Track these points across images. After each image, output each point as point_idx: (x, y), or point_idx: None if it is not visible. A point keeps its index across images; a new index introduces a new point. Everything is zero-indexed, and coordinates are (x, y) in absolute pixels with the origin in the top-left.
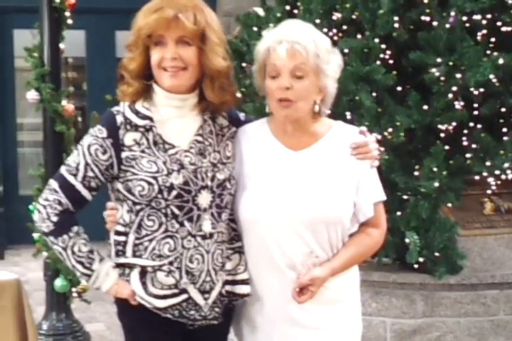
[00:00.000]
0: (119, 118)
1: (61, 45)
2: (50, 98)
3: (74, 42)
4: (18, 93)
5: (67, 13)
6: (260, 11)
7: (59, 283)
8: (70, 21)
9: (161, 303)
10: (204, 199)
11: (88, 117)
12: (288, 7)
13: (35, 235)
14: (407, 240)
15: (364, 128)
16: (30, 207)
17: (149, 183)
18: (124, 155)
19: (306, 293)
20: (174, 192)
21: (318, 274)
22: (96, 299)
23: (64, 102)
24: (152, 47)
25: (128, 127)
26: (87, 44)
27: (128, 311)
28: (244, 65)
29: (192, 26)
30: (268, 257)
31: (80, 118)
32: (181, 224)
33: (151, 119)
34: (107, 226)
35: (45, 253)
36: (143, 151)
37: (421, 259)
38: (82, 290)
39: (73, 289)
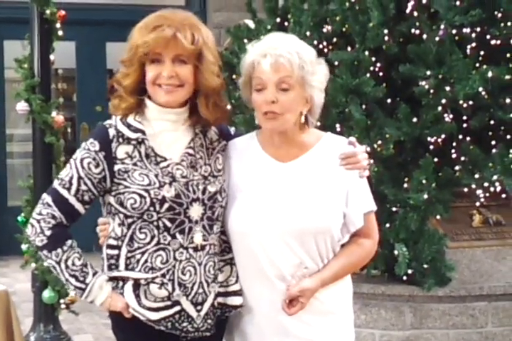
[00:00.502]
0: (112, 132)
1: (51, 57)
2: (39, 109)
3: (64, 54)
4: (8, 104)
5: (58, 25)
6: (251, 23)
7: (47, 294)
8: (60, 33)
9: (154, 316)
10: (195, 211)
11: (78, 128)
12: (278, 19)
13: (24, 246)
14: (395, 252)
15: (353, 139)
16: (19, 218)
17: (141, 196)
18: (116, 168)
19: (296, 305)
20: (166, 205)
21: (308, 285)
22: (84, 310)
23: (54, 113)
24: (148, 63)
25: (120, 140)
26: (77, 55)
27: (122, 324)
28: (234, 76)
29: (190, 46)
30: (258, 269)
31: (69, 130)
32: (173, 237)
33: (143, 132)
34: (100, 241)
35: (33, 265)
36: (135, 164)
37: (410, 271)
38: (70, 302)
39: (61, 300)
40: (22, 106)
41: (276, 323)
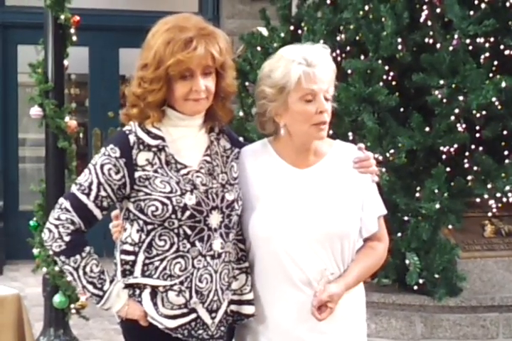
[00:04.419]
0: (132, 138)
1: (65, 62)
2: (53, 114)
3: (77, 59)
4: (21, 108)
5: (72, 30)
6: (264, 31)
7: (58, 299)
8: (74, 38)
9: (172, 323)
10: (214, 219)
11: (90, 134)
12: (292, 27)
13: (35, 250)
14: (407, 261)
15: (362, 145)
16: (31, 222)
17: (163, 203)
18: (137, 175)
19: (325, 310)
20: (187, 213)
21: (336, 290)
22: (94, 316)
23: (67, 118)
24: (176, 79)
25: (141, 147)
26: (91, 61)
27: (134, 332)
28: (247, 84)
29: (220, 58)
30: (283, 274)
31: (81, 135)
32: (192, 244)
33: (162, 139)
34: (114, 237)
35: (44, 269)
36: (156, 171)
37: (421, 281)
38: (80, 307)
39: (72, 305)
40: (36, 110)
41: (299, 329)
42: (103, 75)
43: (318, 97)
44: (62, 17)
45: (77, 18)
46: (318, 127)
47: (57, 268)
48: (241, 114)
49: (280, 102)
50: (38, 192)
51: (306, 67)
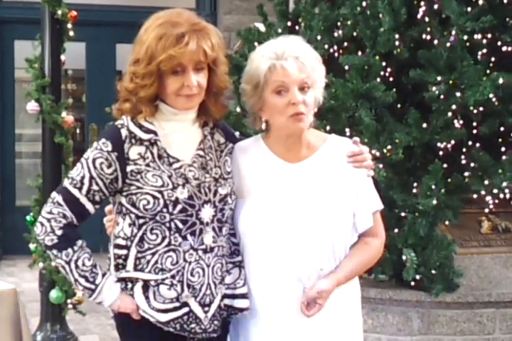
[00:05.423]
0: (124, 132)
1: (62, 57)
2: (50, 109)
3: (74, 54)
4: (18, 104)
5: (69, 25)
6: (261, 27)
7: (54, 294)
8: (71, 33)
9: (164, 317)
10: (207, 213)
11: (86, 129)
12: (289, 23)
13: (32, 246)
14: (404, 257)
15: (357, 139)
16: (28, 217)
17: (155, 197)
18: (129, 168)
19: (314, 306)
20: (179, 207)
21: (325, 287)
22: (90, 311)
23: (64, 114)
24: (168, 74)
25: (133, 141)
26: (87, 56)
27: (127, 326)
28: None
29: (211, 54)
30: (273, 270)
31: (78, 130)
32: (184, 238)
33: (155, 133)
34: (108, 231)
35: (41, 264)
36: (148, 165)
37: (418, 277)
38: (77, 302)
39: (68, 300)
40: (32, 106)
41: (289, 324)
42: (100, 71)
43: (290, 89)
44: (59, 12)
45: (74, 13)
46: (294, 118)
47: (53, 264)
48: (238, 109)
49: (257, 97)
50: (34, 188)
51: (275, 60)
